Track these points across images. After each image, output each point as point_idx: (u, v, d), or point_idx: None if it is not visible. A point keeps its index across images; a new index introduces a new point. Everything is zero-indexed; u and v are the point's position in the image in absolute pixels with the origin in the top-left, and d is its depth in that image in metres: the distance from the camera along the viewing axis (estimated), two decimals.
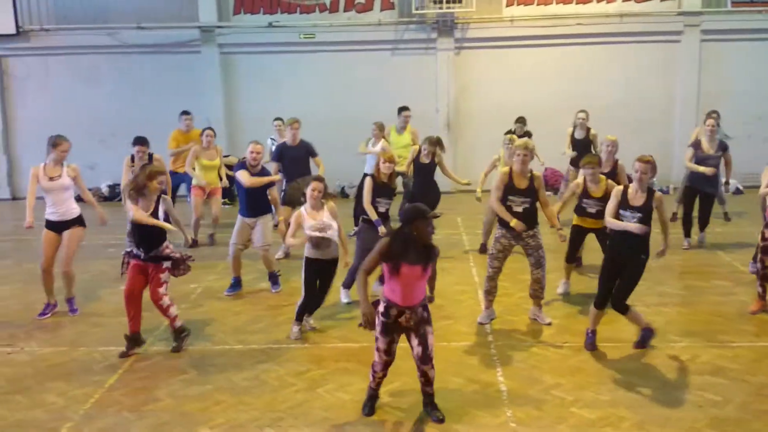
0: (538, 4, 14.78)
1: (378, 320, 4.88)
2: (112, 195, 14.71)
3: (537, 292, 6.92)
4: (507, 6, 14.81)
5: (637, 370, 5.83)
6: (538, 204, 6.72)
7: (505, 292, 7.75)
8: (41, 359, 6.32)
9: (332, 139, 12.84)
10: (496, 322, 6.96)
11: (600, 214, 7.00)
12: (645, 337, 6.25)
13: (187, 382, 5.79)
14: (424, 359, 4.86)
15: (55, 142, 7.24)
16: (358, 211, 8.30)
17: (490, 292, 6.97)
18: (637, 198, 5.98)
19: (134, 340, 6.38)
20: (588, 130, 11.03)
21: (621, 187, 6.19)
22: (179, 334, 6.45)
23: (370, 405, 5.21)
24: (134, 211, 6.15)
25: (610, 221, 6.09)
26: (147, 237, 6.21)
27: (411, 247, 4.74)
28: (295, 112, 12.41)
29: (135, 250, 6.30)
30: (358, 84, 14.93)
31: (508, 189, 6.64)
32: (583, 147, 10.77)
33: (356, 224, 8.99)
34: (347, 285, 7.59)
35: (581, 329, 6.54)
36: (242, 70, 15.23)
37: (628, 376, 5.72)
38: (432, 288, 7.25)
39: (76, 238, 7.40)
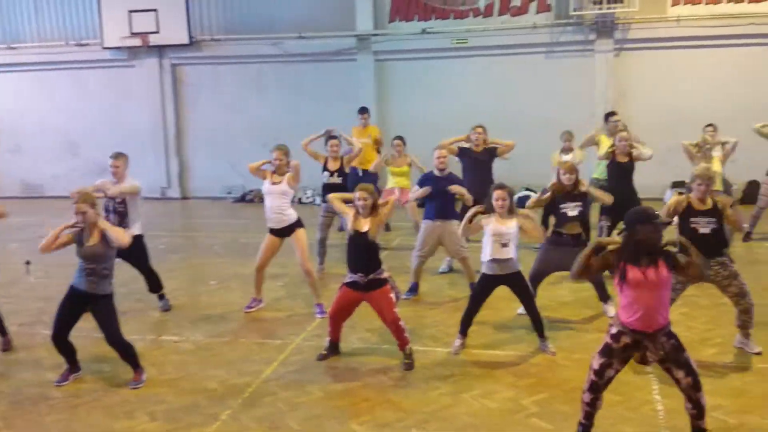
0: (706, 4, 13.85)
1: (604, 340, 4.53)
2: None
3: (746, 323, 6.23)
4: (672, 5, 14.03)
5: None
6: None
7: None
8: (205, 349, 6.73)
9: None
10: None
11: None
12: None
13: (337, 378, 5.96)
14: (696, 386, 4.47)
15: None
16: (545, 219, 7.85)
17: None
18: None
19: (334, 347, 6.42)
20: None
21: None
22: (409, 355, 6.18)
23: None
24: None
25: None
26: (361, 258, 6.07)
27: (638, 251, 4.33)
28: (447, 117, 12.54)
29: (352, 276, 6.10)
30: (510, 88, 14.73)
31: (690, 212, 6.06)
32: None
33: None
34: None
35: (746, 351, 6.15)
36: (395, 76, 15.49)
37: None
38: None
39: (303, 239, 7.52)
